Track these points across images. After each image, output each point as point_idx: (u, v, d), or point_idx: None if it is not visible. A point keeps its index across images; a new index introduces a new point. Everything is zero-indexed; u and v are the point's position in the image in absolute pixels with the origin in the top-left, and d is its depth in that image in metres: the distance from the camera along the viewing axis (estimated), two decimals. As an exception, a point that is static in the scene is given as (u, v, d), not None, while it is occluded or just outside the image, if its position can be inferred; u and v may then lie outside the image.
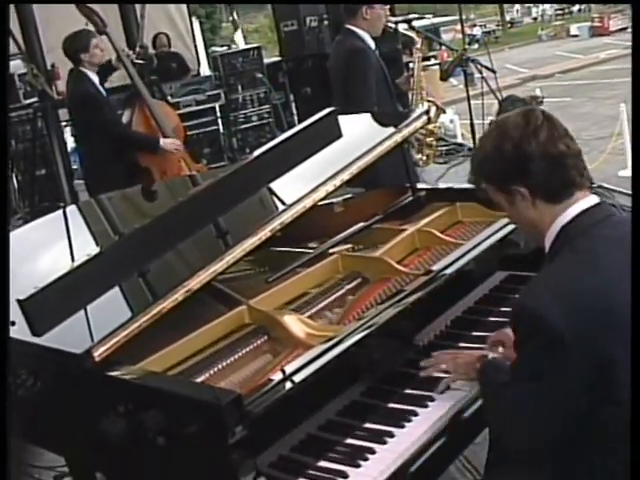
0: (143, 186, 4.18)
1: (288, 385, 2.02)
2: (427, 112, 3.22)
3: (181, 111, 8.15)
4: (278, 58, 10.04)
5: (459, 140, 10.89)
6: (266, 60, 9.69)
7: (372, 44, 4.59)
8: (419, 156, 4.46)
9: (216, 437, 1.88)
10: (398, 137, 3.13)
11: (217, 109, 8.95)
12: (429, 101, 4.70)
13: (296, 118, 9.66)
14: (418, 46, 4.50)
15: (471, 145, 10.53)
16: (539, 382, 1.86)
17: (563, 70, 18.21)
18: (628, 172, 9.04)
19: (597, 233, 1.91)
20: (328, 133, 3.23)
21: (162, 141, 5.67)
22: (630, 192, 6.77)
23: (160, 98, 7.18)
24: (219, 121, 8.97)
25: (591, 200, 1.98)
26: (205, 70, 11.08)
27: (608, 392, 1.81)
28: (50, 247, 3.00)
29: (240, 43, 13.74)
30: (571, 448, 1.88)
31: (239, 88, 9.04)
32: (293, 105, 9.77)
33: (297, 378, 2.05)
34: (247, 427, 1.87)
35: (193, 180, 4.08)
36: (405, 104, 5.05)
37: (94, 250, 2.61)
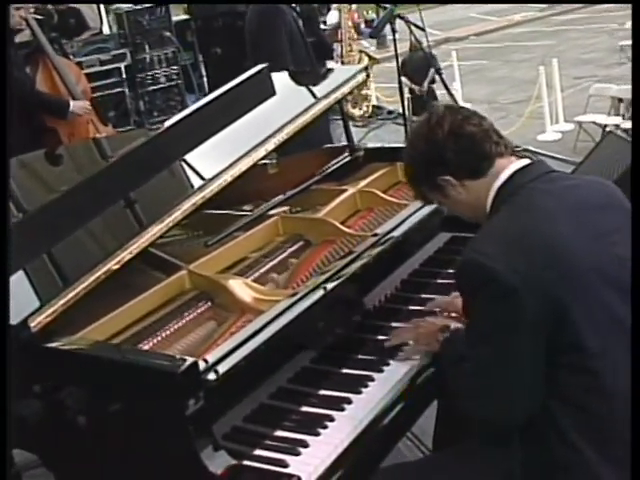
0: (47, 151, 4.02)
1: (243, 352, 1.99)
2: (366, 68, 3.20)
3: (84, 71, 7.88)
4: (186, 16, 9.82)
5: (374, 103, 10.95)
6: (174, 18, 9.47)
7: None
8: (357, 111, 4.43)
9: (172, 408, 1.83)
10: (337, 95, 3.11)
11: (123, 69, 8.71)
12: (361, 51, 4.72)
13: (205, 80, 9.51)
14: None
15: (390, 108, 10.64)
16: (497, 336, 1.87)
17: (477, 32, 18.49)
18: (547, 136, 9.28)
19: (533, 187, 1.99)
20: (261, 91, 3.18)
21: (72, 104, 5.48)
22: (552, 154, 6.95)
23: (62, 56, 6.93)
24: (125, 82, 8.75)
25: (523, 162, 2.08)
26: (106, 28, 10.76)
27: (566, 337, 1.85)
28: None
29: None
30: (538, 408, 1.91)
31: (146, 47, 8.80)
32: (202, 66, 9.61)
33: (252, 344, 2.02)
34: (204, 396, 1.84)
35: (102, 144, 3.95)
36: (330, 57, 5.04)
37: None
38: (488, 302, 1.87)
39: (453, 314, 2.43)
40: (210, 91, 9.12)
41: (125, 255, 2.29)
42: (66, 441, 2.06)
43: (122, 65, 8.71)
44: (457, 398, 2.07)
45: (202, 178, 2.62)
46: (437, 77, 10.23)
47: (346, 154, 3.30)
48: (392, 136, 8.39)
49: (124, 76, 8.73)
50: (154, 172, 2.74)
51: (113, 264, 2.26)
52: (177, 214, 2.46)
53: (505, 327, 1.86)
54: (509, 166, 2.04)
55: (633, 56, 2.87)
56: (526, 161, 2.08)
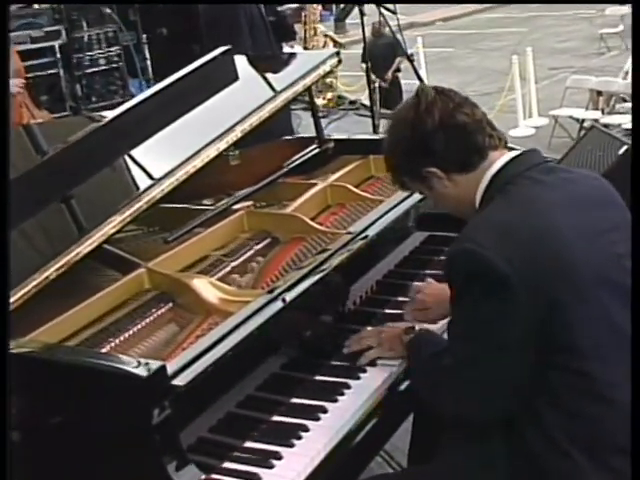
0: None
1: (212, 356, 2.01)
2: (338, 54, 3.24)
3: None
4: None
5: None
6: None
7: None
8: (320, 101, 4.48)
9: (137, 416, 1.85)
10: (305, 82, 3.15)
11: (57, 49, 8.64)
12: (326, 36, 4.78)
13: (150, 63, 9.49)
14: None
15: (352, 98, 10.71)
16: (486, 329, 1.91)
17: (444, 18, 18.71)
18: (520, 131, 9.44)
19: (530, 177, 2.03)
20: (223, 76, 3.22)
21: (4, 80, 5.44)
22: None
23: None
24: (60, 63, 8.67)
25: (516, 151, 2.11)
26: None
27: (557, 336, 1.89)
28: None
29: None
30: (522, 409, 1.95)
31: (84, 25, 8.75)
32: (146, 48, 9.57)
33: (221, 348, 2.04)
34: (172, 404, 1.86)
35: (41, 131, 3.93)
36: (292, 38, 5.08)
37: None
38: (480, 293, 1.91)
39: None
40: (154, 75, 9.11)
41: (79, 251, 2.30)
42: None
43: (56, 44, 8.64)
44: (431, 397, 2.13)
45: (160, 170, 2.63)
46: (403, 66, 10.40)
47: (314, 146, 3.34)
48: (354, 127, 8.47)
49: (58, 56, 8.65)
50: (107, 163, 2.76)
51: (64, 262, 2.28)
52: (133, 209, 2.48)
53: (495, 319, 1.90)
54: (501, 157, 2.07)
55: (633, 57, 2.97)
56: (519, 150, 2.12)
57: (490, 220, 2.00)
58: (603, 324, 1.92)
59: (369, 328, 2.49)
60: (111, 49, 8.85)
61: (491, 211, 2.02)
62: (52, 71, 8.59)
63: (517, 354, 1.91)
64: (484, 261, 1.87)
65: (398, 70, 10.61)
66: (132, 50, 8.86)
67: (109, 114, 3.11)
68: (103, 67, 8.84)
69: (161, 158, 2.72)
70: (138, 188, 2.59)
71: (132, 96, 8.40)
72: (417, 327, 2.41)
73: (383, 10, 4.51)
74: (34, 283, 2.20)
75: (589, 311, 1.91)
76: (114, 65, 8.88)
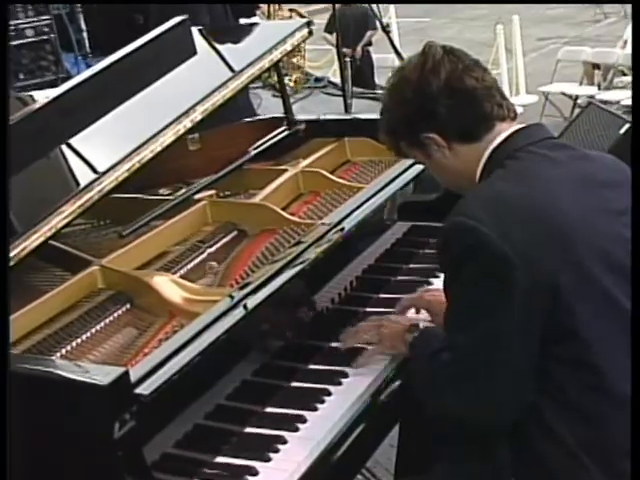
0: None
1: (179, 362, 2.05)
2: (308, 24, 3.29)
3: None
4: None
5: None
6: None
7: None
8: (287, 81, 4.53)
9: (97, 430, 1.88)
10: (272, 57, 3.19)
11: (-23, 19, 8.58)
12: (291, 10, 4.82)
13: (86, 35, 9.47)
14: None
15: (318, 75, 10.76)
16: (484, 313, 1.95)
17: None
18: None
19: (535, 152, 2.10)
20: (179, 50, 3.25)
21: None
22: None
23: None
24: (-19, 35, 8.61)
25: (522, 125, 2.19)
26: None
27: (559, 323, 1.95)
28: None
29: None
30: (527, 407, 2.00)
31: (8, -10, 8.69)
32: (81, 17, 9.56)
33: (188, 353, 2.08)
34: (135, 415, 1.89)
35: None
36: (252, 14, 5.13)
37: None
38: (476, 273, 1.96)
39: (424, 313, 2.56)
40: (92, 49, 9.10)
41: (24, 246, 2.32)
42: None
43: (-25, 13, 8.55)
44: (432, 398, 2.16)
45: (112, 157, 2.65)
46: (374, 39, 10.47)
47: (283, 127, 3.39)
48: (321, 107, 8.51)
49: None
50: (50, 149, 2.78)
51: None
52: (83, 200, 2.51)
53: (494, 302, 1.94)
54: (507, 130, 2.13)
55: (633, 58, 3.06)
56: (525, 124, 2.19)
57: (486, 193, 2.06)
58: (609, 311, 1.98)
59: (365, 322, 2.52)
60: (40, 18, 8.70)
61: (488, 184, 2.09)
62: (-31, 44, 8.49)
63: (520, 342, 1.94)
64: (480, 237, 1.92)
65: (369, 44, 10.68)
66: (65, 20, 8.79)
67: (43, 93, 3.13)
68: (31, 39, 8.67)
69: (113, 143, 2.76)
70: (87, 178, 2.61)
71: (67, 72, 8.40)
72: (422, 325, 2.42)
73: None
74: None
75: (593, 296, 1.96)
76: (44, 37, 8.71)
